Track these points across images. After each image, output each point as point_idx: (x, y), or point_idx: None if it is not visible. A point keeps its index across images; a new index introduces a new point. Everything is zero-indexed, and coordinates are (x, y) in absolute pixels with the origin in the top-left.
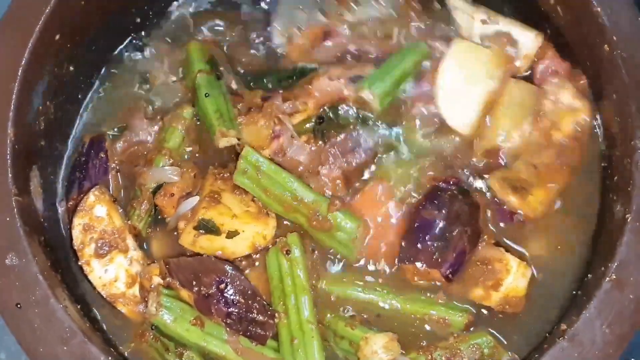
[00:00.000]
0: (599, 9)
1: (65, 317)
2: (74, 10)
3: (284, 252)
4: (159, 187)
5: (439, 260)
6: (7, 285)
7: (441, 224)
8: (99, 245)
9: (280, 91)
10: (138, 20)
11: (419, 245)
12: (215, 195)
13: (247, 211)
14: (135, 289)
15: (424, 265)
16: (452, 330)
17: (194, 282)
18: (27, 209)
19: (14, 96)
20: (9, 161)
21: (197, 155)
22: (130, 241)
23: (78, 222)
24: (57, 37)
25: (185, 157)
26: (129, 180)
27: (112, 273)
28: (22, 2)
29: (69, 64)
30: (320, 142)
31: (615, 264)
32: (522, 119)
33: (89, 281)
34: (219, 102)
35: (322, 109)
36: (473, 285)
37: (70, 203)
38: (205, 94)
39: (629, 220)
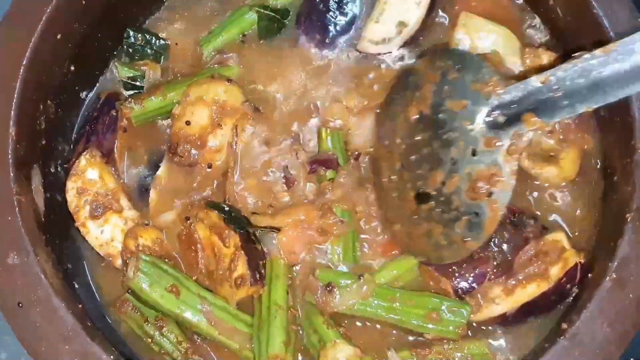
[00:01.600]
0: (598, 9)
1: (67, 315)
2: (75, 10)
3: None
4: None
5: (455, 272)
6: (9, 284)
7: None
8: (94, 207)
9: None
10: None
11: None
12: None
13: None
14: None
15: (436, 270)
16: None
17: None
18: (28, 208)
19: (15, 95)
20: (10, 160)
21: None
22: (124, 201)
23: (71, 186)
24: (59, 36)
25: None
26: (136, 140)
27: (108, 233)
28: (23, 1)
29: (70, 63)
30: None
31: (616, 263)
32: None
33: (87, 242)
34: None
35: None
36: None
37: (66, 165)
38: None
39: (629, 219)
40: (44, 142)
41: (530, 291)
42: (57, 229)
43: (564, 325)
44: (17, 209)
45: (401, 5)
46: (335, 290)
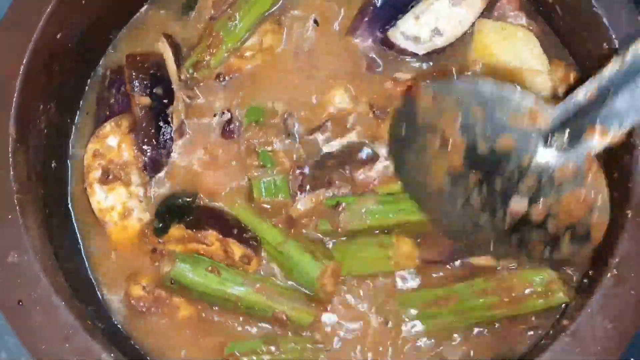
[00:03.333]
0: (598, 8)
1: (67, 314)
2: (75, 9)
3: None
4: None
5: None
6: (9, 283)
7: None
8: (104, 171)
9: None
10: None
11: None
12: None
13: None
14: (127, 221)
15: None
16: None
17: None
18: (28, 207)
19: (15, 95)
20: (10, 159)
21: None
22: (135, 176)
23: (90, 147)
24: (59, 36)
25: None
26: None
27: (110, 201)
28: (23, 1)
29: (70, 63)
30: None
31: (617, 259)
32: None
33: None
34: None
35: None
36: None
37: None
38: None
39: (629, 216)
40: (44, 142)
41: None
42: (57, 227)
43: (565, 322)
44: (17, 207)
45: (445, 13)
46: (343, 206)
